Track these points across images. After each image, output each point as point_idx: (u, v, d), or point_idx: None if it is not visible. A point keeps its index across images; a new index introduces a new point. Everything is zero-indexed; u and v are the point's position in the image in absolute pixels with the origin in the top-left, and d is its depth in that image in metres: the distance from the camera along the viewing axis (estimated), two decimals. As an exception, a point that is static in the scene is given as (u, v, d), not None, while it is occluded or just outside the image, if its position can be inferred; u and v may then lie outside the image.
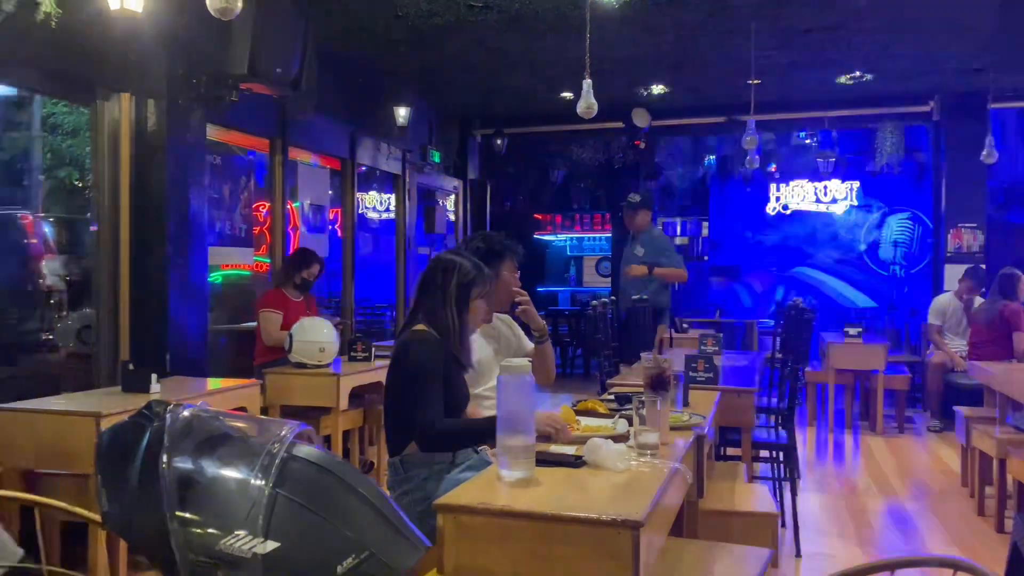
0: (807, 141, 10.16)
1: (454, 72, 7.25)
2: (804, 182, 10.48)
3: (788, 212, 10.68)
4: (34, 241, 6.98)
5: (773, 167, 10.49)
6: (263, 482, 0.96)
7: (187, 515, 0.95)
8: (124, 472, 0.99)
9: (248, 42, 4.00)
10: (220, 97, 4.35)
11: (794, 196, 10.57)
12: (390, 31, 5.93)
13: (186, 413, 1.04)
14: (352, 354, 5.11)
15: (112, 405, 3.34)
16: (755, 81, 6.68)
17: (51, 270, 6.94)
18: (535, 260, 10.75)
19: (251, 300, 6.16)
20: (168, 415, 1.03)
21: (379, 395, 4.98)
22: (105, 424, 3.12)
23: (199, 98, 4.42)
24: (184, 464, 0.98)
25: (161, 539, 0.93)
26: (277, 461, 0.98)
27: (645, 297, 5.71)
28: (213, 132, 5.10)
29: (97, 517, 1.92)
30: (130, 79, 4.36)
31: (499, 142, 9.21)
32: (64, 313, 6.73)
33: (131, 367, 3.75)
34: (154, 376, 3.70)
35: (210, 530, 0.94)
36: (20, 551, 1.45)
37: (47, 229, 7.29)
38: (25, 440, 3.27)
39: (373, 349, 5.25)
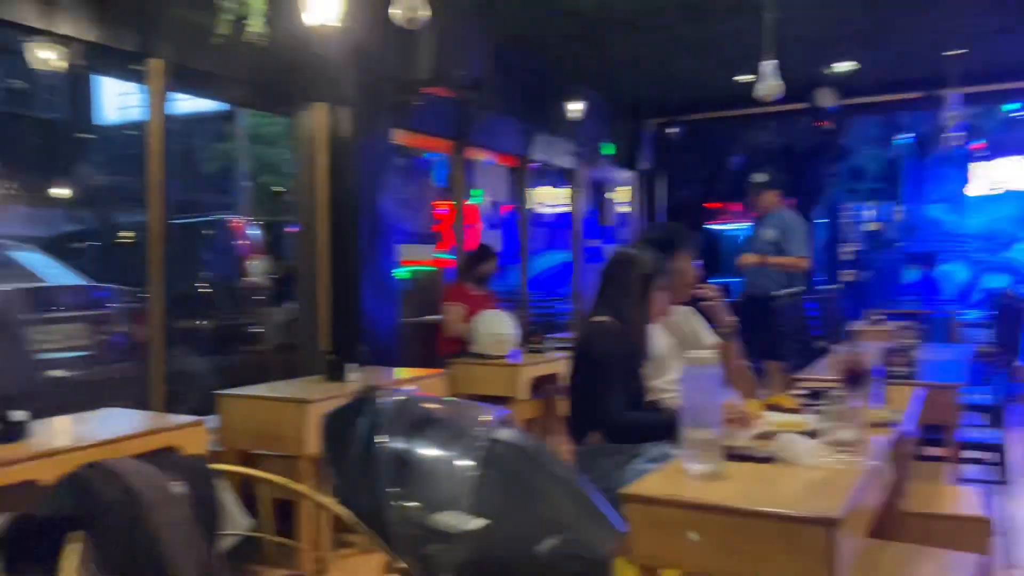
0: (1018, 114, 9.22)
1: (627, 63, 7.21)
2: (1015, 158, 9.52)
3: (995, 192, 9.74)
4: (243, 242, 7.65)
5: (978, 143, 9.60)
6: (471, 463, 1.02)
7: (402, 491, 1.03)
8: (346, 450, 1.09)
9: (432, 48, 4.20)
10: (406, 102, 4.58)
11: (1003, 174, 9.63)
12: (564, 27, 5.98)
13: (398, 398, 1.13)
14: (529, 346, 5.24)
15: (316, 392, 3.61)
16: (958, 51, 6.14)
17: (257, 269, 7.57)
18: (710, 250, 10.47)
19: (433, 294, 6.43)
20: (382, 400, 1.12)
21: (555, 386, 5.07)
22: (312, 410, 3.38)
23: (386, 104, 4.68)
24: (398, 444, 1.06)
25: (379, 512, 1.02)
26: (483, 444, 1.04)
27: (793, 291, 5.30)
28: (398, 135, 5.37)
29: (309, 492, 2.11)
30: (325, 90, 4.68)
31: (672, 131, 9.05)
32: (270, 308, 7.35)
33: (331, 358, 4.04)
34: (351, 366, 3.97)
35: (423, 506, 1.01)
36: (251, 521, 1.62)
37: (253, 231, 7.94)
38: (243, 423, 3.61)
39: (548, 341, 5.36)
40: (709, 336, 3.30)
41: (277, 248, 7.98)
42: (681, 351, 3.00)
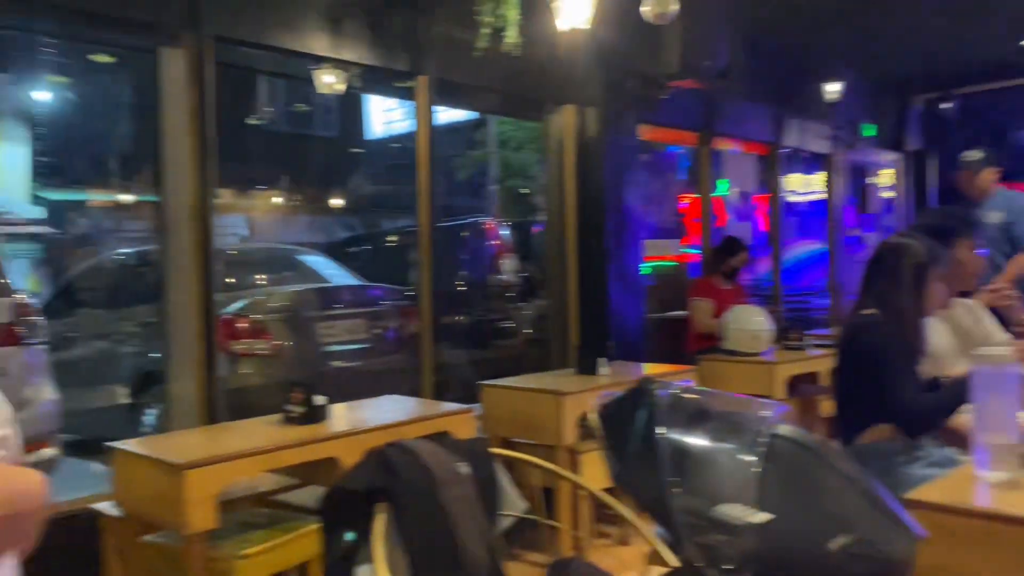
0: None
1: (889, 36, 6.65)
2: None
3: None
4: (495, 243, 8.07)
5: None
6: (752, 457, 1.03)
7: (682, 482, 1.05)
8: (625, 440, 1.13)
9: (679, 41, 4.17)
10: (651, 98, 4.58)
11: None
12: (817, 5, 5.65)
13: (674, 390, 1.15)
14: (785, 343, 5.03)
15: (570, 385, 3.73)
16: None
17: (508, 267, 7.95)
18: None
19: (679, 290, 6.37)
20: (658, 391, 1.15)
21: (815, 385, 4.82)
22: (567, 402, 3.51)
23: (633, 101, 4.71)
24: (677, 436, 1.09)
25: (660, 501, 1.05)
26: (764, 438, 1.04)
27: None
28: (643, 131, 5.39)
29: (578, 480, 2.19)
30: (572, 92, 4.81)
31: (946, 106, 8.20)
32: (520, 304, 7.69)
33: (582, 352, 4.16)
34: (602, 360, 4.05)
35: (704, 497, 1.03)
36: (526, 504, 1.73)
37: (504, 232, 8.34)
38: (503, 412, 3.83)
39: (806, 337, 5.10)
40: (998, 332, 2.97)
41: (524, 247, 8.33)
42: (964, 348, 2.74)
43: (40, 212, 13.90)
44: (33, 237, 13.43)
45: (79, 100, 14.90)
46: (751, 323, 4.77)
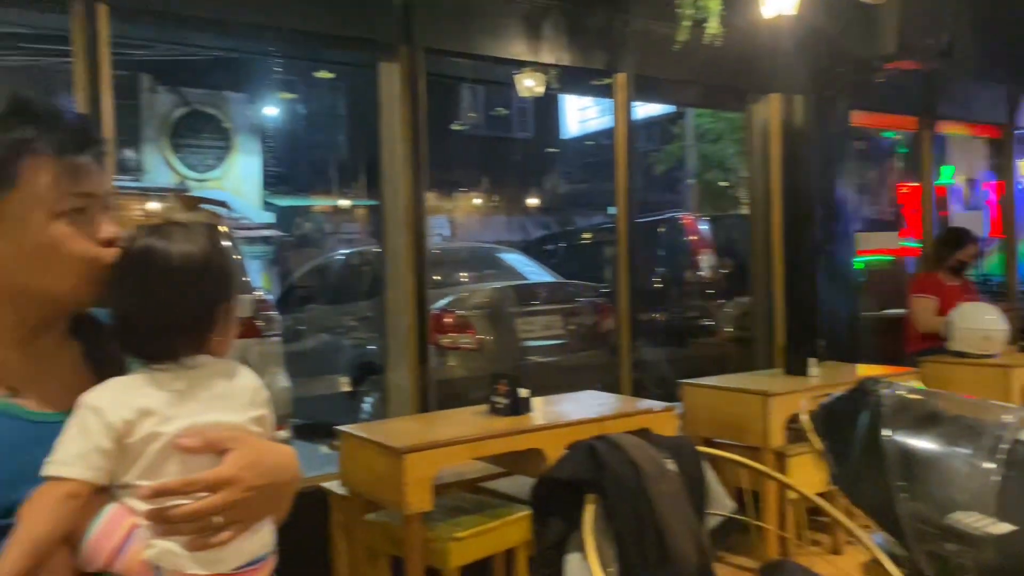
0: None
1: None
2: None
3: None
4: (693, 238, 7.91)
5: None
6: (991, 464, 0.96)
7: (911, 486, 1.00)
8: (846, 441, 1.09)
9: (896, 20, 3.88)
10: (864, 82, 4.31)
11: None
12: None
13: (899, 391, 1.09)
14: (1022, 344, 4.56)
15: (777, 385, 3.59)
16: None
17: (707, 263, 7.76)
18: None
19: (897, 286, 5.94)
20: (882, 392, 1.10)
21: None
22: (775, 403, 3.39)
23: (844, 87, 4.45)
24: (905, 439, 1.04)
25: (885, 505, 1.00)
26: (1005, 444, 0.96)
27: None
28: (856, 117, 5.07)
29: (793, 484, 2.12)
30: (777, 80, 4.61)
31: None
32: (719, 301, 7.48)
33: (790, 351, 3.99)
34: (812, 360, 3.86)
35: (935, 504, 0.97)
36: (734, 504, 1.70)
37: (702, 226, 8.15)
38: (704, 412, 3.75)
39: (1050, 339, 4.60)
40: None
41: (724, 241, 8.08)
42: None
43: (270, 217, 15.39)
44: (265, 240, 14.91)
45: (303, 114, 16.32)
46: (982, 322, 4.36)
